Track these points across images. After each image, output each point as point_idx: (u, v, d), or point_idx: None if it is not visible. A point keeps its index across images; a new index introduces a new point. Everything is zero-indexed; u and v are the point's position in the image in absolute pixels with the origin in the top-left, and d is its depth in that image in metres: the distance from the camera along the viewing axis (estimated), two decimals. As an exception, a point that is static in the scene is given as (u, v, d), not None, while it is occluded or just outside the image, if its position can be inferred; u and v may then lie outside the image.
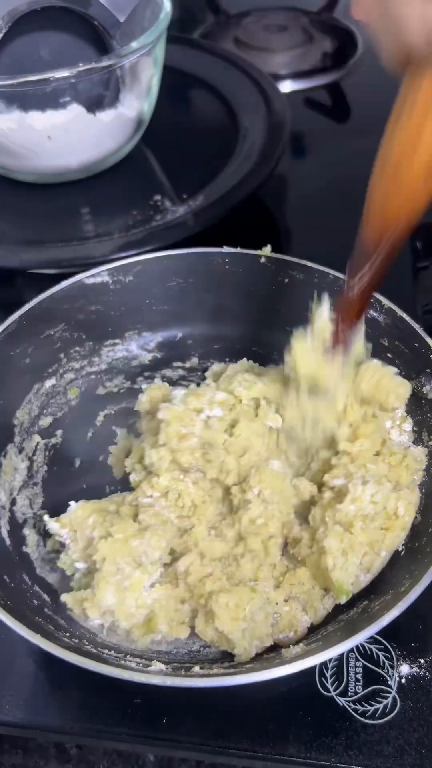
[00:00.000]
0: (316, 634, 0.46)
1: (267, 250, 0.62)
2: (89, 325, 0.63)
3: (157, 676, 0.40)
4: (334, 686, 0.47)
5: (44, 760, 0.55)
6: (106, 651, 0.45)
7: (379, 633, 0.48)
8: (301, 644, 0.45)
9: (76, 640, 0.44)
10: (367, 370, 0.52)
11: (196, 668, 0.44)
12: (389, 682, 0.47)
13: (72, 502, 0.52)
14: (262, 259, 0.62)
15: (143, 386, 0.62)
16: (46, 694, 0.47)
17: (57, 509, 0.56)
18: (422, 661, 0.48)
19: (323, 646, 0.41)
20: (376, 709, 0.46)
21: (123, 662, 0.44)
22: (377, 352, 0.59)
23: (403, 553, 0.49)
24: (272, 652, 0.46)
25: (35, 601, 0.48)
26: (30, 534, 0.54)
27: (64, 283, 0.60)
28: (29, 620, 0.43)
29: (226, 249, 0.63)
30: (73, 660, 0.39)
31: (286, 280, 0.63)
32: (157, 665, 0.44)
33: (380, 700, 0.46)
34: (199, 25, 1.27)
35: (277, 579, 0.49)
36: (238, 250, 0.63)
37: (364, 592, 0.48)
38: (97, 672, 0.39)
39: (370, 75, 1.12)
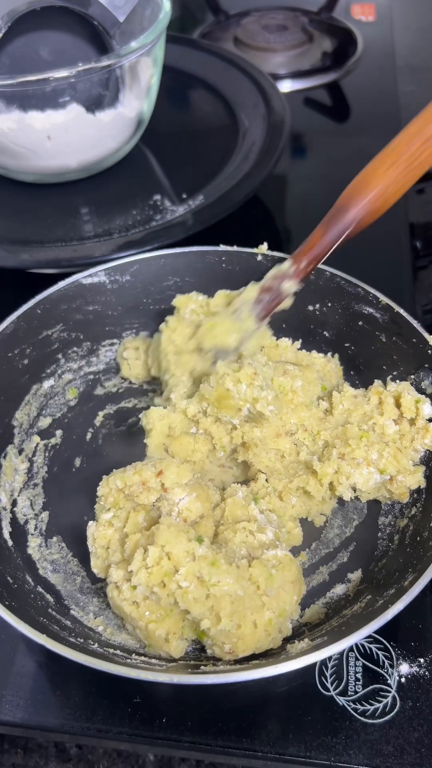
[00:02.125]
0: (320, 629, 0.46)
1: (263, 248, 0.62)
2: (87, 325, 0.63)
3: (164, 673, 0.40)
4: (333, 686, 0.47)
5: (44, 760, 0.55)
6: (111, 650, 0.45)
7: (379, 632, 0.48)
8: (306, 640, 0.45)
9: (81, 640, 0.44)
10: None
11: (202, 666, 0.44)
12: (389, 682, 0.47)
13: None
14: (259, 257, 0.62)
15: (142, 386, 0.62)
16: (46, 694, 0.47)
17: (57, 509, 0.56)
18: (422, 660, 0.48)
19: (329, 641, 0.41)
20: (376, 709, 0.46)
21: (129, 661, 0.44)
22: (375, 349, 0.59)
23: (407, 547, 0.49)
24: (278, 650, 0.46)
25: (39, 602, 0.48)
26: (32, 535, 0.54)
27: (62, 284, 0.60)
28: (34, 621, 0.43)
29: (222, 247, 0.63)
30: (80, 659, 0.39)
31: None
32: (162, 663, 0.44)
33: (380, 699, 0.46)
34: (198, 24, 1.27)
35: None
36: (235, 248, 0.63)
37: (366, 588, 0.48)
38: (104, 671, 0.39)
39: (370, 75, 1.12)
